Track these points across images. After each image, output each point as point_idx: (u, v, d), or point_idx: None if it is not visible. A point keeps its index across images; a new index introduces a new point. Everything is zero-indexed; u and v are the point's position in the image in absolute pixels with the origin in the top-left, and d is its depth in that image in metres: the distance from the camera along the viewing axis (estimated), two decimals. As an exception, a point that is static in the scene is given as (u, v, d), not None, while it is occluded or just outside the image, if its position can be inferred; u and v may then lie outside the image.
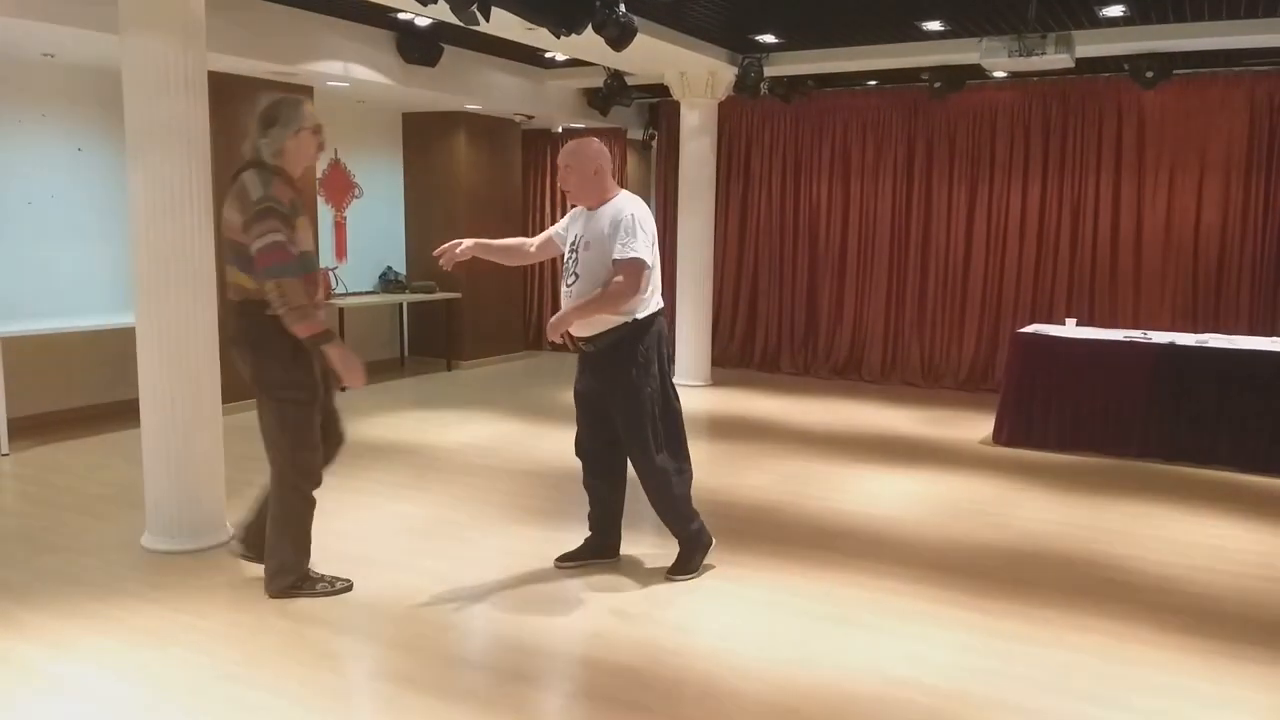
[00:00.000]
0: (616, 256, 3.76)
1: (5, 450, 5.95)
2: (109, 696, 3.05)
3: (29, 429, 6.45)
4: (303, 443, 3.62)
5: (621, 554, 4.37)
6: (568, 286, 3.93)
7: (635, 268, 3.76)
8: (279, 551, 3.80)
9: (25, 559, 4.25)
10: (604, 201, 3.91)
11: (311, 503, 3.80)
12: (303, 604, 3.81)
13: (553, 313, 11.04)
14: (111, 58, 4.41)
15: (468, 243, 4.14)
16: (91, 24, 5.53)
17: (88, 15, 5.50)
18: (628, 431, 3.94)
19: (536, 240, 4.31)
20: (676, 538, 4.17)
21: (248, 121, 3.62)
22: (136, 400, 4.47)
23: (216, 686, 3.14)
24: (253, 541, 4.00)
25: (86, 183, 7.00)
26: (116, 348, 6.57)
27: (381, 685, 3.25)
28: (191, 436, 4.39)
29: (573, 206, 4.11)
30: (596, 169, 3.89)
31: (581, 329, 3.88)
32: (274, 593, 3.81)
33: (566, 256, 3.98)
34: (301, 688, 3.15)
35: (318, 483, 3.80)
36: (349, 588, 3.92)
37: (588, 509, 4.27)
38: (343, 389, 3.81)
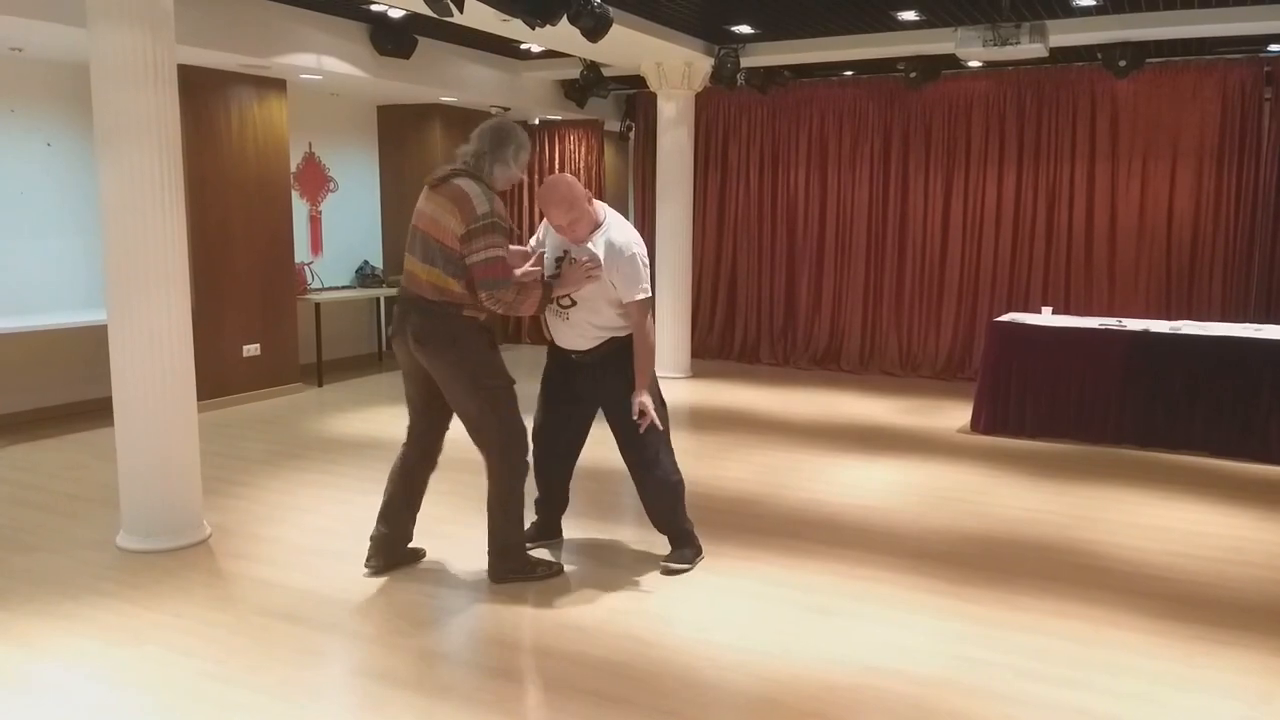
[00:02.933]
0: (631, 299, 3.89)
1: (-24, 450, 5.88)
2: (83, 696, 3.02)
3: (1, 428, 6.36)
4: (514, 419, 3.85)
5: (599, 545, 4.36)
6: (562, 308, 3.97)
7: (647, 305, 3.95)
8: (505, 533, 3.96)
9: (-3, 560, 4.20)
10: (595, 227, 3.93)
11: (525, 475, 3.96)
12: (278, 602, 3.78)
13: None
14: (80, 51, 4.34)
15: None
16: (59, 16, 5.44)
17: (55, 8, 5.42)
18: (636, 435, 3.99)
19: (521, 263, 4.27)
20: (670, 529, 4.21)
21: (471, 134, 3.94)
22: (110, 398, 4.42)
23: (195, 685, 3.11)
24: (390, 550, 4.12)
25: (56, 178, 6.91)
26: (89, 345, 6.49)
27: (361, 681, 3.24)
28: (166, 435, 4.34)
29: (601, 200, 4.13)
30: (588, 197, 3.93)
31: (575, 344, 4.01)
32: (500, 577, 3.96)
33: (554, 272, 3.96)
34: (281, 685, 3.12)
35: (528, 451, 3.98)
36: (560, 571, 4.08)
37: (539, 488, 4.35)
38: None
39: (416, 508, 4.13)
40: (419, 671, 3.25)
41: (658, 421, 3.98)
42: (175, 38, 4.33)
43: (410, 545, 4.17)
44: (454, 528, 4.68)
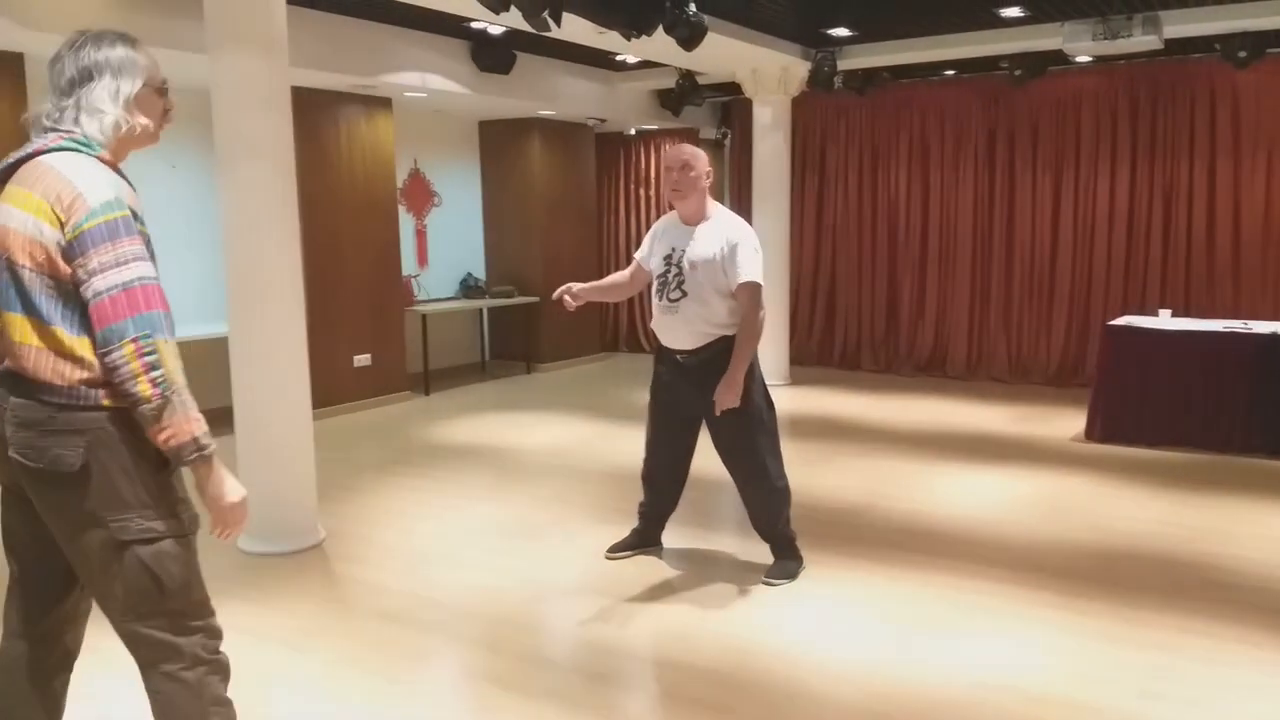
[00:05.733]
0: (743, 280, 3.79)
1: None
2: (209, 694, 3.16)
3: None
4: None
5: (702, 553, 4.36)
6: (671, 301, 3.90)
7: (758, 291, 3.83)
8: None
9: (129, 561, 4.43)
10: (705, 217, 3.92)
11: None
12: (390, 605, 3.89)
13: (630, 313, 11.21)
14: (200, 77, 4.56)
15: (578, 288, 4.12)
16: (181, 45, 5.74)
17: (178, 36, 5.71)
18: (740, 442, 3.95)
19: (628, 273, 4.31)
20: (775, 541, 4.16)
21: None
22: (231, 407, 4.63)
23: (311, 684, 3.23)
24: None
25: (179, 199, 7.27)
26: (211, 357, 6.80)
27: (469, 683, 3.30)
28: (283, 442, 4.52)
29: (669, 210, 4.11)
30: (709, 173, 3.94)
31: (682, 342, 3.92)
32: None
33: (664, 271, 3.94)
34: (392, 685, 3.21)
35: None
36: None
37: (642, 499, 4.34)
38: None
39: None
40: (524, 675, 3.30)
41: (763, 419, 3.93)
42: (289, 62, 4.52)
43: None
44: (560, 534, 4.74)
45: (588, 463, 6.13)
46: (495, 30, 7.28)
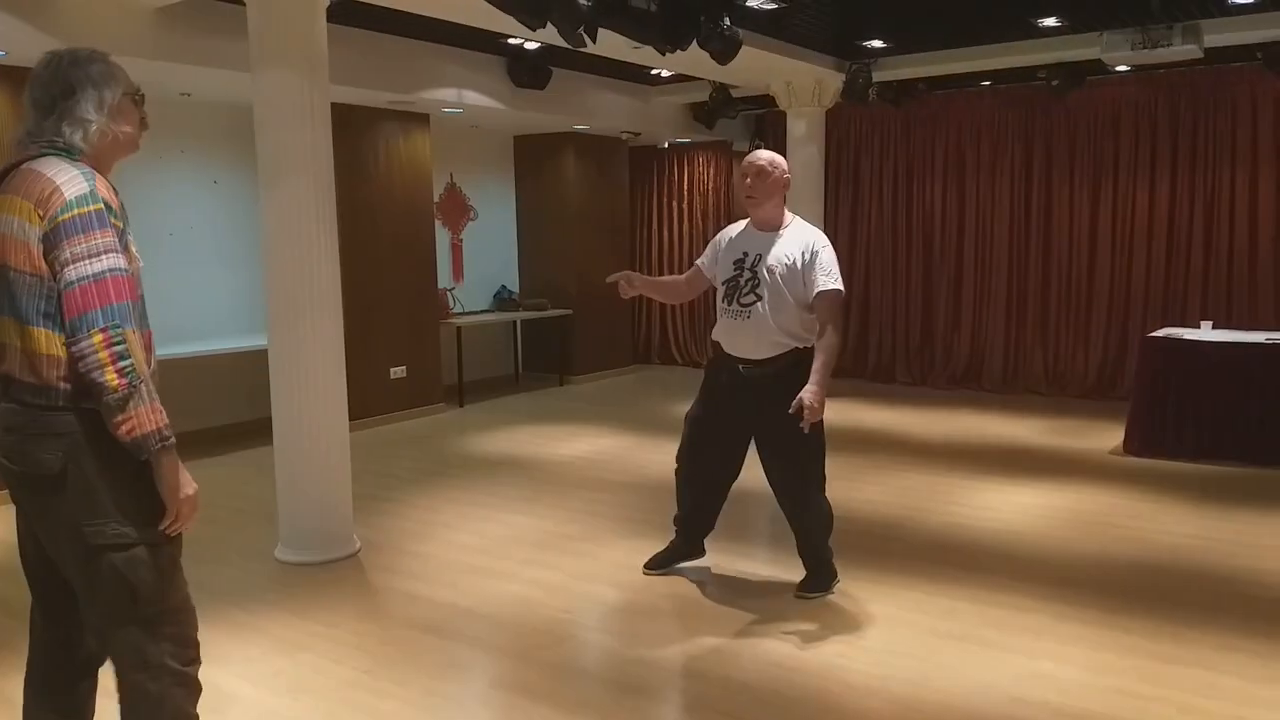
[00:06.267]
0: (824, 288, 3.72)
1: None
2: (243, 700, 3.21)
3: (173, 447, 6.83)
4: (179, 595, 2.27)
5: (736, 567, 4.35)
6: (743, 306, 3.81)
7: (841, 300, 3.77)
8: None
9: (171, 569, 4.51)
10: (782, 224, 3.87)
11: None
12: (424, 615, 3.92)
13: (662, 325, 11.22)
14: (242, 94, 4.67)
15: (638, 280, 4.10)
16: (225, 63, 5.86)
17: (221, 55, 5.84)
18: (800, 463, 3.85)
19: (685, 277, 4.26)
20: (817, 556, 4.06)
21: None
22: (270, 418, 4.70)
23: (345, 693, 3.26)
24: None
25: (222, 213, 7.41)
26: (252, 369, 6.91)
27: (501, 694, 3.32)
28: (320, 453, 4.58)
29: (735, 220, 4.09)
30: (787, 183, 3.88)
31: (750, 350, 3.81)
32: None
33: (734, 276, 3.85)
34: (425, 696, 3.24)
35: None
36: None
37: (679, 511, 4.26)
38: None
39: None
40: (557, 686, 3.32)
41: (823, 442, 3.86)
42: (329, 79, 4.61)
43: None
44: (592, 546, 4.76)
45: (620, 474, 6.15)
46: (531, 46, 7.35)
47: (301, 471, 4.56)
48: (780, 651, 3.55)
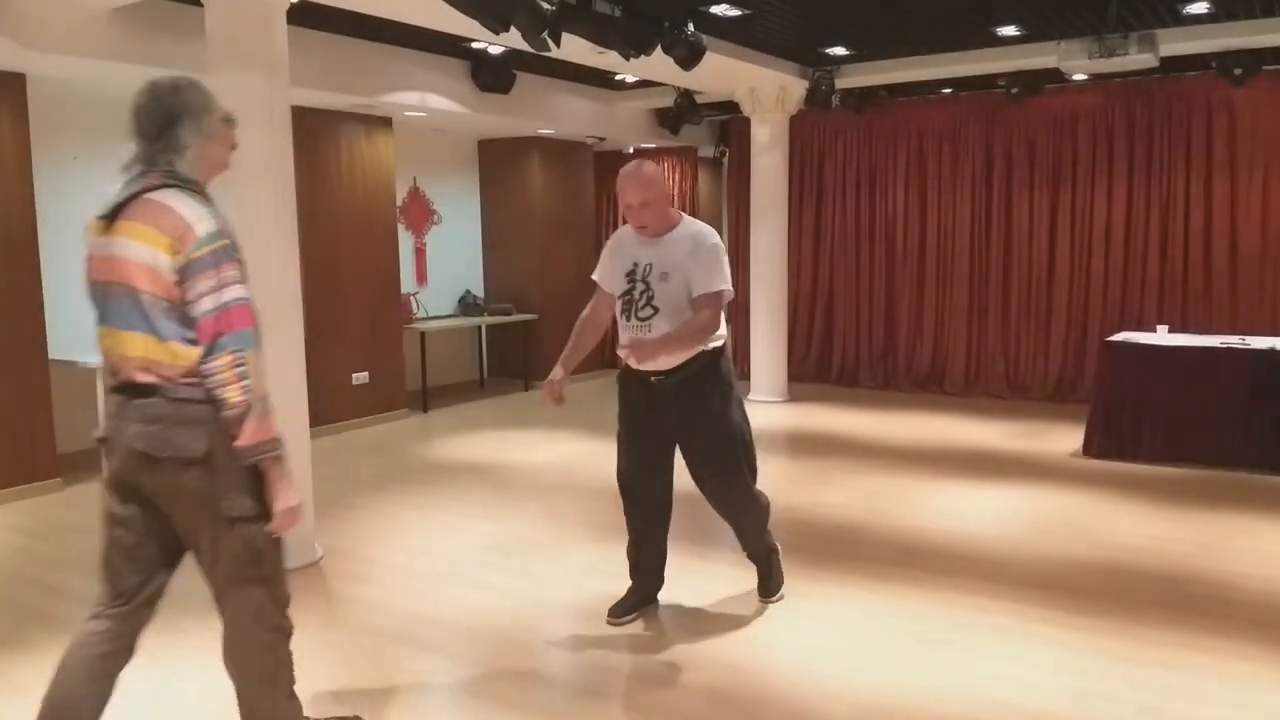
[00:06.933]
0: (705, 290, 3.50)
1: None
2: (205, 713, 3.15)
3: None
4: (280, 569, 2.64)
5: (696, 571, 4.35)
6: (641, 320, 3.58)
7: (721, 301, 3.54)
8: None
9: (127, 580, 4.42)
10: (670, 226, 3.63)
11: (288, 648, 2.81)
12: (387, 623, 3.88)
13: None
14: (201, 97, 4.58)
15: (558, 376, 3.77)
16: (182, 65, 5.71)
17: (178, 56, 5.73)
18: (719, 462, 3.68)
19: (590, 307, 3.89)
20: (760, 562, 4.06)
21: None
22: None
23: (309, 703, 3.20)
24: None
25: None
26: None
27: (468, 701, 3.29)
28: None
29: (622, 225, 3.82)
30: (666, 192, 3.65)
31: (659, 362, 3.55)
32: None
33: (628, 290, 3.62)
34: (389, 704, 3.20)
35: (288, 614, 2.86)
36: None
37: (630, 556, 3.95)
38: None
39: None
40: (521, 692, 3.29)
41: (745, 437, 3.70)
42: (290, 82, 4.55)
43: None
44: (556, 552, 4.74)
45: (586, 480, 6.12)
46: (495, 50, 7.32)
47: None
48: (745, 655, 3.55)
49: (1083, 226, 8.86)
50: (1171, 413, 6.33)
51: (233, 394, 2.32)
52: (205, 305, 2.32)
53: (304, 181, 7.25)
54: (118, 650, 2.52)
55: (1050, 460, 6.58)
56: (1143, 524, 5.09)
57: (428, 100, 7.68)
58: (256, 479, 2.43)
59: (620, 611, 3.90)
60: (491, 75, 7.91)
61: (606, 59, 6.37)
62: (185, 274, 2.32)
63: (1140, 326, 8.09)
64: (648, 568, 3.97)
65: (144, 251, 2.33)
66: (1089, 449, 6.63)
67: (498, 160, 10.00)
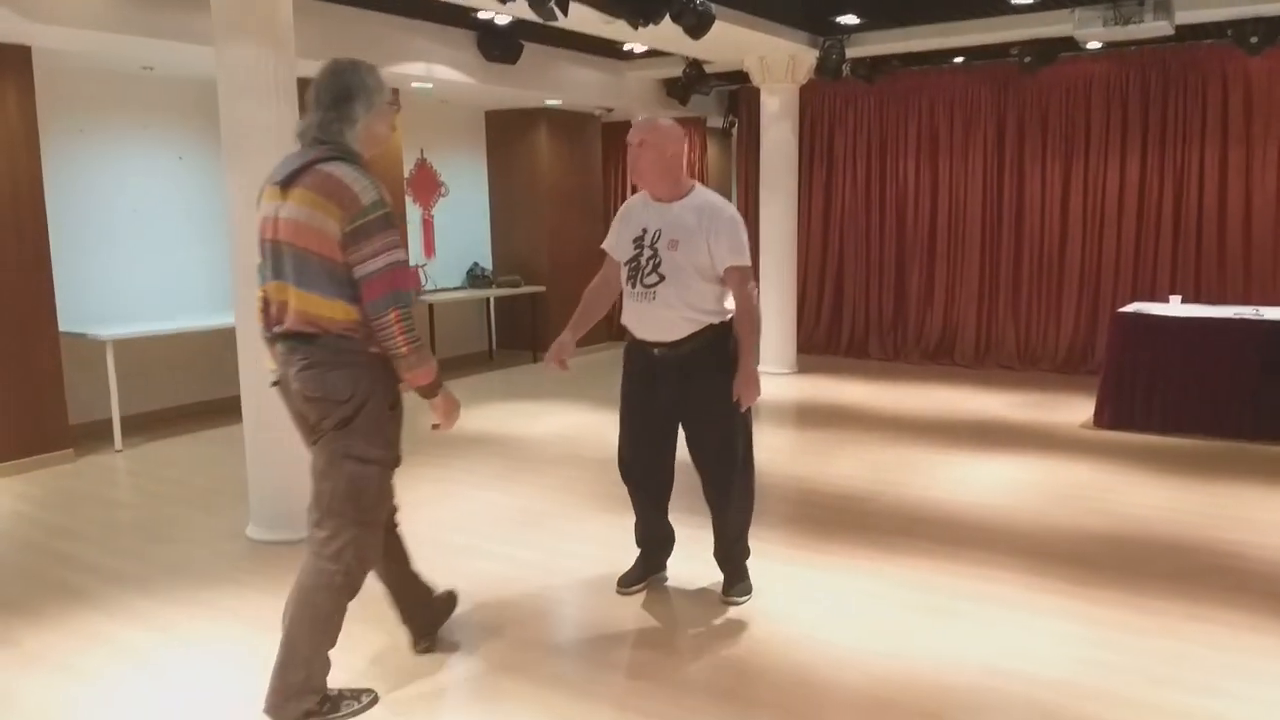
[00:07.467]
0: (733, 264, 3.43)
1: (119, 446, 6.23)
2: (216, 680, 3.18)
3: (140, 426, 6.74)
4: (377, 515, 2.96)
5: (705, 541, 4.35)
6: (646, 287, 3.48)
7: (750, 275, 3.49)
8: (309, 668, 2.91)
9: (140, 550, 4.45)
10: (681, 193, 3.52)
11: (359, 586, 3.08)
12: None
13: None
14: (206, 68, 4.57)
15: (566, 340, 3.70)
16: (188, 36, 5.74)
17: (184, 28, 5.71)
18: (721, 444, 3.58)
19: (600, 277, 3.82)
20: (735, 559, 3.84)
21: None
22: (239, 396, 4.64)
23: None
24: (423, 620, 3.45)
25: (187, 189, 7.28)
26: (219, 347, 6.82)
27: (476, 670, 3.31)
28: (290, 431, 4.50)
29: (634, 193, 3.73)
30: (674, 151, 3.48)
31: (662, 333, 3.50)
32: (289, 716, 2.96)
33: (635, 256, 3.53)
34: (400, 672, 3.23)
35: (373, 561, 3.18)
36: (373, 703, 3.12)
37: (637, 530, 3.95)
38: None
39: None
40: (533, 662, 3.31)
41: (748, 422, 3.59)
42: (295, 52, 4.52)
43: (431, 600, 3.42)
44: (567, 523, 4.75)
45: (594, 451, 6.13)
46: (502, 20, 7.25)
47: (271, 449, 4.50)
48: (756, 623, 3.56)
49: (1095, 196, 8.78)
50: (1183, 383, 6.30)
51: (400, 345, 2.69)
52: (370, 267, 2.64)
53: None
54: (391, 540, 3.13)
55: (1061, 431, 6.56)
56: (1153, 495, 5.08)
57: (434, 71, 7.62)
58: (389, 428, 2.81)
59: (629, 581, 3.91)
60: (498, 45, 7.85)
61: (614, 28, 6.31)
62: (351, 239, 2.63)
63: (1153, 297, 8.05)
64: (654, 540, 3.97)
65: (314, 216, 2.65)
66: (1099, 420, 6.61)
67: (505, 131, 9.95)
